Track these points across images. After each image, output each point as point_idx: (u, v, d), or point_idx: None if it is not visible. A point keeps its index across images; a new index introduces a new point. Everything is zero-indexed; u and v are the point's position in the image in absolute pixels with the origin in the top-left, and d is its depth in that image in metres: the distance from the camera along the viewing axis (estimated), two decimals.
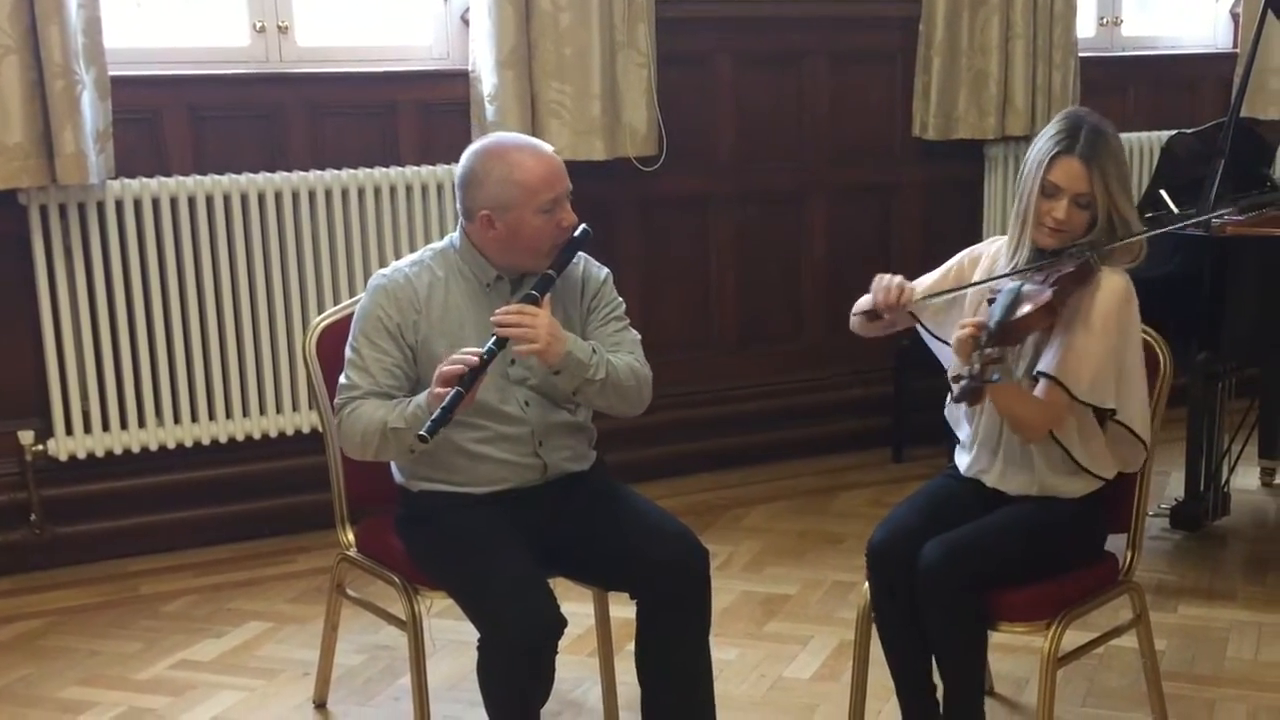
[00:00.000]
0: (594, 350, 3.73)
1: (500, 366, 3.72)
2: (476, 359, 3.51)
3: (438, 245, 3.92)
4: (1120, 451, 3.86)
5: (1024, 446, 3.85)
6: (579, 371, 3.67)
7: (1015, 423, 3.78)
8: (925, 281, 4.04)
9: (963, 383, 3.49)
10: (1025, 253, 3.84)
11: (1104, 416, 3.78)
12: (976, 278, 3.95)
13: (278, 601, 5.28)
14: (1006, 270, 3.84)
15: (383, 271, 3.88)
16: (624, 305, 3.97)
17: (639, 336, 3.96)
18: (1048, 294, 3.64)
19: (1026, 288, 3.71)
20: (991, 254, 3.98)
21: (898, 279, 3.90)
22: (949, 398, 3.97)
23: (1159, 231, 4.04)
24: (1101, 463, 3.84)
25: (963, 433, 4.03)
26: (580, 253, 3.88)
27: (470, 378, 3.49)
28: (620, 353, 3.84)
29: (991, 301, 3.74)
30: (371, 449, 3.71)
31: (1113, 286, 3.74)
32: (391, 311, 3.76)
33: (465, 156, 3.80)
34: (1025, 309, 3.64)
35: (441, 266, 3.84)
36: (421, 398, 3.62)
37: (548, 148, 3.82)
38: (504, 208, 3.69)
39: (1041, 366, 3.73)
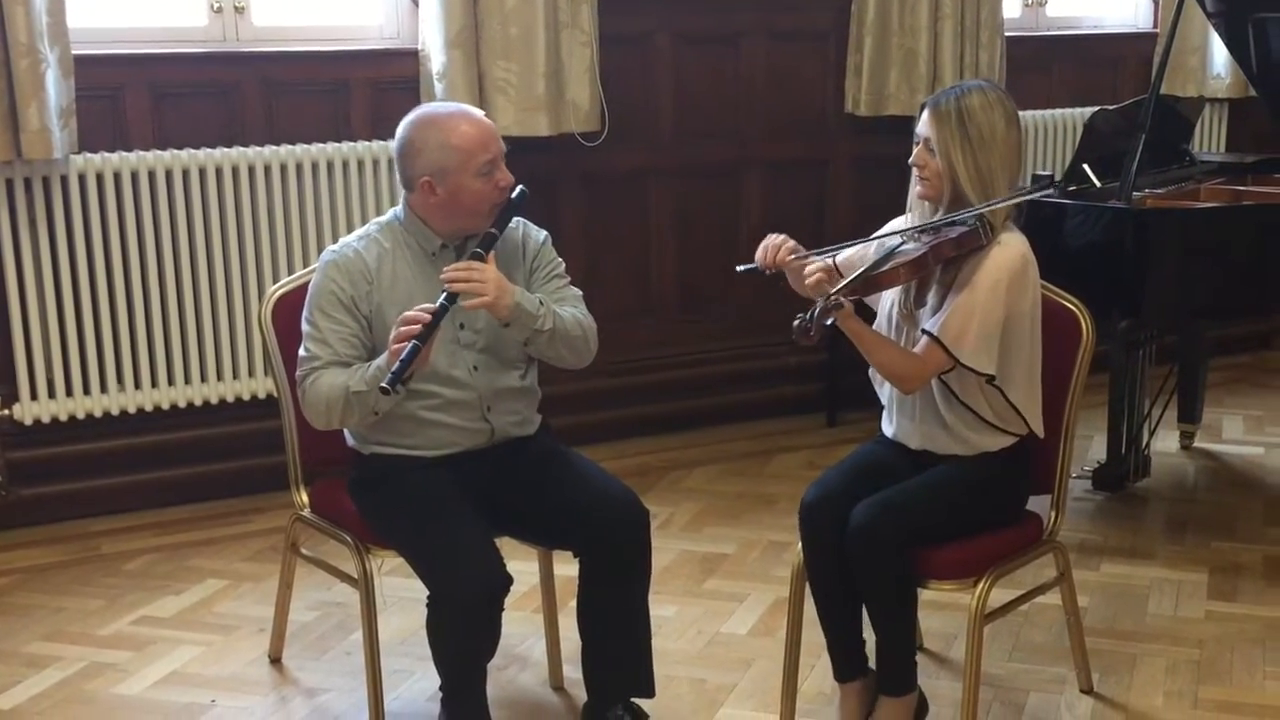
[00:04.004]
0: (541, 302, 3.79)
1: (450, 331, 3.80)
2: (429, 315, 3.56)
3: (383, 219, 3.96)
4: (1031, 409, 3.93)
5: (926, 403, 3.91)
6: (528, 322, 3.74)
7: (885, 372, 3.82)
8: (846, 252, 4.08)
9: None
10: (919, 208, 3.93)
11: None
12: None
13: (234, 560, 5.36)
14: (904, 228, 3.91)
15: (332, 247, 3.92)
16: (564, 264, 4.04)
17: (580, 292, 4.04)
18: (919, 253, 3.70)
19: (905, 246, 3.79)
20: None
21: (781, 237, 3.93)
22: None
23: (1016, 200, 3.87)
24: (1011, 420, 3.89)
25: (883, 395, 4.08)
26: (518, 217, 3.94)
27: (425, 333, 3.53)
28: (565, 306, 3.91)
29: None
30: (336, 415, 3.75)
31: (1005, 254, 3.76)
32: (344, 284, 3.81)
33: (401, 128, 3.84)
34: (890, 264, 3.70)
35: (388, 239, 3.89)
36: (380, 359, 3.66)
37: (479, 113, 3.88)
38: (443, 173, 3.76)
39: (926, 325, 3.78)
